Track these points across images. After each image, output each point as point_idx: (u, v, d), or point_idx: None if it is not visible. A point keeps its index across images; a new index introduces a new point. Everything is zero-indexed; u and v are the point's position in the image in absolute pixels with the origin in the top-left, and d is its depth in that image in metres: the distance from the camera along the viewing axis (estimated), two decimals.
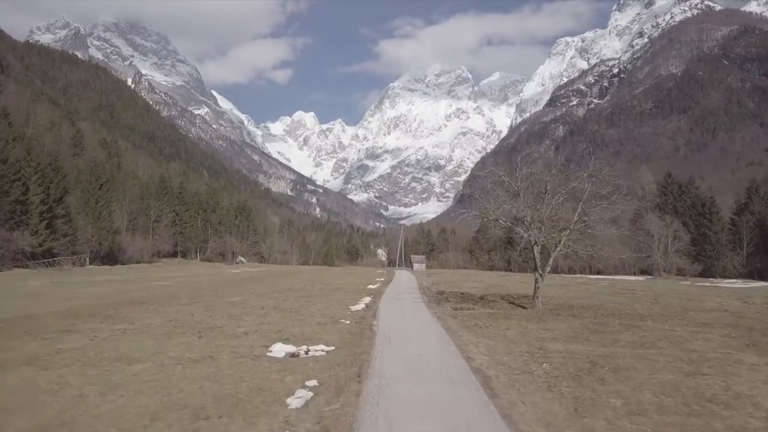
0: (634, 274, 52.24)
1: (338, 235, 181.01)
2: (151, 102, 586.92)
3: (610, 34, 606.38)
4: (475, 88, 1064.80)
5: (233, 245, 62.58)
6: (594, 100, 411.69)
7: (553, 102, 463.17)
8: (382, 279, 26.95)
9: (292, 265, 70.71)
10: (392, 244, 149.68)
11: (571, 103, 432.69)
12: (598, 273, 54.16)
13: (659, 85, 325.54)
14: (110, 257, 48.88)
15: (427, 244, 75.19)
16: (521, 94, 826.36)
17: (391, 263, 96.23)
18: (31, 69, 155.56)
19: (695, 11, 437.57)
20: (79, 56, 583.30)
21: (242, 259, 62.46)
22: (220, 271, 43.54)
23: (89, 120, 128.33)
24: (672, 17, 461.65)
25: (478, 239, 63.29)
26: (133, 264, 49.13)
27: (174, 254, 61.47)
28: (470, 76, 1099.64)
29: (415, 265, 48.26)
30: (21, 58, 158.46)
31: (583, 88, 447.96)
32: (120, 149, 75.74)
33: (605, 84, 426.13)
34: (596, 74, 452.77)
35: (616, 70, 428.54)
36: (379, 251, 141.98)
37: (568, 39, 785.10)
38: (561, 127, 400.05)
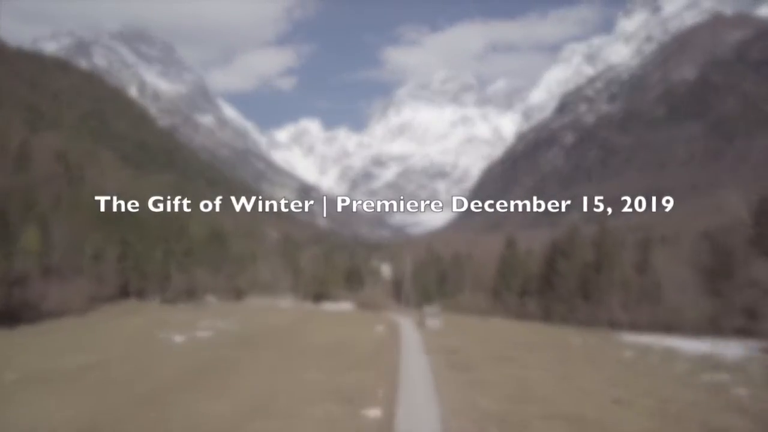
0: (721, 335, 34.10)
1: (340, 248, 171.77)
2: (155, 110, 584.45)
3: (617, 39, 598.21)
4: (481, 95, 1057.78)
5: (204, 280, 52.47)
6: (603, 107, 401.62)
7: (561, 108, 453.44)
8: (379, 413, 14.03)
9: (276, 299, 60.02)
10: (398, 261, 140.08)
11: (579, 110, 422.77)
12: (667, 329, 36.86)
13: (672, 91, 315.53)
14: (11, 316, 35.64)
15: (437, 271, 63.39)
16: (527, 101, 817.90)
17: (397, 287, 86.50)
18: (20, 75, 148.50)
19: (706, 16, 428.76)
20: (83, 64, 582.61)
21: (212, 299, 51.51)
22: (152, 338, 29.26)
23: (72, 129, 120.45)
24: (682, 22, 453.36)
25: (504, 275, 52.84)
26: (52, 320, 36.83)
27: (126, 295, 49.99)
28: (475, 82, 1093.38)
29: (428, 320, 37.11)
30: (9, 64, 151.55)
31: (591, 94, 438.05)
32: (87, 161, 66.20)
33: (615, 90, 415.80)
34: (605, 80, 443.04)
35: (626, 76, 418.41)
36: (384, 268, 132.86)
37: (574, 45, 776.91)
38: (570, 134, 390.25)
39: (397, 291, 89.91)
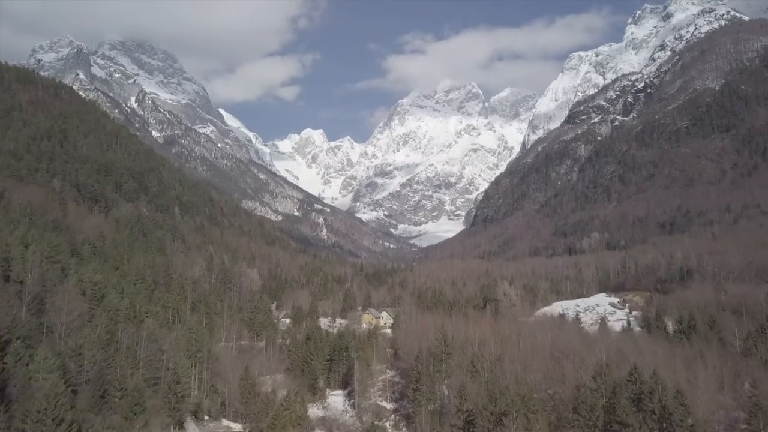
0: None
1: (337, 282, 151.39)
2: (155, 121, 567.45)
3: (626, 48, 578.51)
4: (486, 104, 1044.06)
5: None
6: (618, 117, 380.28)
7: (572, 119, 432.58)
8: None
9: None
10: (402, 301, 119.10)
11: (592, 121, 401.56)
12: None
13: (695, 101, 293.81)
14: None
15: (461, 410, 37.25)
16: (534, 110, 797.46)
17: (401, 368, 65.17)
18: None
19: (722, 22, 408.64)
20: (83, 75, 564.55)
21: None
22: None
23: (11, 155, 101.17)
24: (697, 29, 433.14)
25: None
26: None
27: None
28: (480, 91, 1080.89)
29: None
30: None
31: (604, 104, 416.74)
32: None
33: (629, 100, 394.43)
34: (618, 89, 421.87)
35: (641, 85, 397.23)
36: (384, 318, 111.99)
37: (582, 53, 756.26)
38: (583, 146, 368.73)
39: (402, 376, 68.89)
